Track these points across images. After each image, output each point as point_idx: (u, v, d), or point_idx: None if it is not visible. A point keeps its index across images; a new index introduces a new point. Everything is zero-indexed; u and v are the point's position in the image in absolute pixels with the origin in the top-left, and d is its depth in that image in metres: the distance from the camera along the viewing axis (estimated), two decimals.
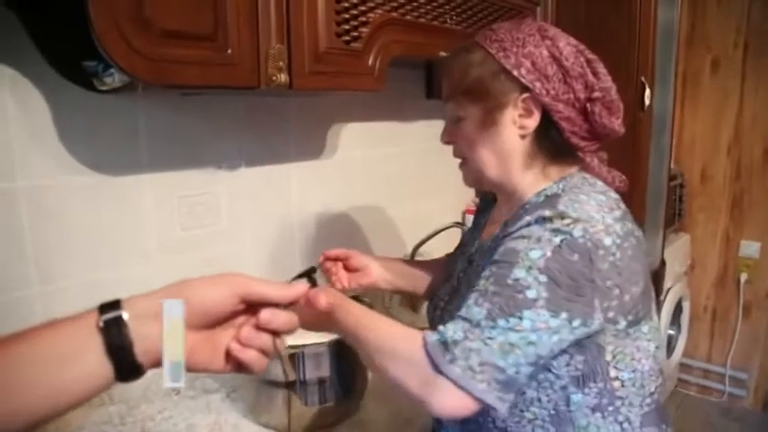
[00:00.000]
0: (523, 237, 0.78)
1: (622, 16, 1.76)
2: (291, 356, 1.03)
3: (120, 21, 0.80)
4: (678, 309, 2.79)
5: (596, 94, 0.85)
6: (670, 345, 2.80)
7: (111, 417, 1.08)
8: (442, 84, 0.95)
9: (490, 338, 0.73)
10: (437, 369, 0.74)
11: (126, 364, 0.51)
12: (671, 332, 2.78)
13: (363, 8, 1.14)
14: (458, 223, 1.95)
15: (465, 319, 0.76)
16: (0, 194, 1.02)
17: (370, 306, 1.21)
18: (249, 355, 0.57)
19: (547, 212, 0.78)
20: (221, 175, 1.37)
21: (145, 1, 0.83)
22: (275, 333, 0.59)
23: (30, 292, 1.07)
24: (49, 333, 0.52)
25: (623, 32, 1.76)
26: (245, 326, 0.58)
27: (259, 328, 0.58)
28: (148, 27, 0.84)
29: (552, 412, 0.83)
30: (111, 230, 1.18)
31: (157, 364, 0.53)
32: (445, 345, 0.75)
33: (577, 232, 0.75)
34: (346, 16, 1.11)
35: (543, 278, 0.74)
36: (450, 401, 0.74)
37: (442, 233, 1.70)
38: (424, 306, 1.76)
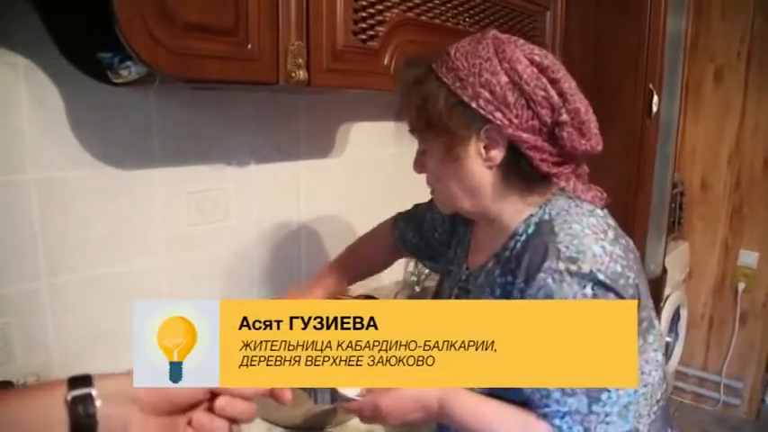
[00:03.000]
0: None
1: (632, 23, 1.77)
2: None
3: (143, 11, 0.80)
4: (676, 316, 2.81)
5: (563, 118, 0.78)
6: (667, 352, 2.81)
7: None
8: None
9: (607, 416, 0.74)
10: None
11: None
12: (668, 339, 2.79)
13: (380, 7, 1.15)
14: None
15: (568, 413, 0.74)
16: (12, 186, 1.01)
17: None
18: None
19: (560, 265, 0.75)
20: (230, 172, 1.36)
21: None
22: (233, 420, 0.58)
23: (38, 285, 1.06)
24: (17, 402, 0.51)
25: (633, 39, 1.77)
26: (199, 410, 0.57)
27: (215, 414, 0.57)
28: (171, 19, 0.84)
29: None
30: (119, 224, 1.17)
31: None
32: None
33: (600, 275, 0.74)
34: (364, 15, 1.12)
35: None
36: None
37: None
38: None
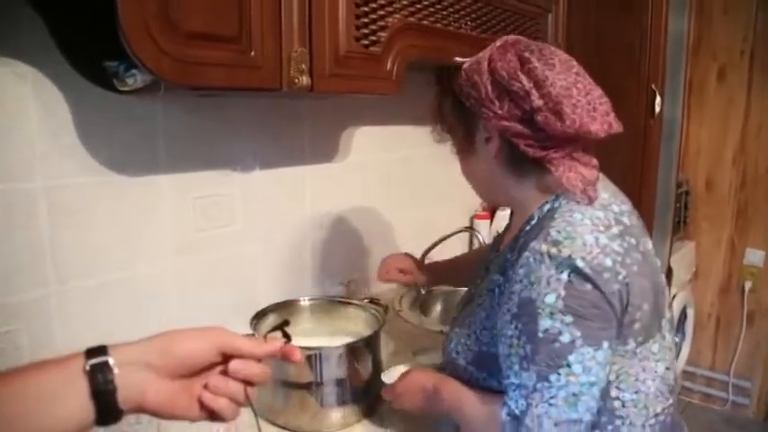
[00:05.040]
0: (531, 283, 0.77)
1: (634, 24, 1.78)
2: (309, 358, 1.04)
3: (147, 20, 0.81)
4: (683, 316, 2.80)
5: (537, 103, 0.82)
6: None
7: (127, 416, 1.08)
8: None
9: (552, 398, 0.75)
10: None
11: (107, 410, 0.52)
12: (675, 339, 2.78)
13: (382, 13, 1.16)
14: (468, 228, 1.96)
15: (519, 386, 0.77)
16: (20, 194, 1.02)
17: (385, 308, 1.22)
18: (220, 404, 0.59)
19: (543, 247, 0.78)
20: (236, 177, 1.37)
21: (171, 1, 0.83)
22: (247, 383, 0.61)
23: (47, 291, 1.07)
24: (36, 374, 0.52)
25: (634, 40, 1.78)
26: (214, 373, 0.60)
27: (229, 376, 0.60)
28: (174, 28, 0.84)
29: None
30: (127, 230, 1.18)
31: (135, 410, 0.55)
32: (516, 419, 0.77)
33: (579, 262, 0.75)
34: (366, 20, 1.13)
35: (569, 318, 0.74)
36: None
37: (453, 237, 1.70)
38: (435, 309, 1.79)
